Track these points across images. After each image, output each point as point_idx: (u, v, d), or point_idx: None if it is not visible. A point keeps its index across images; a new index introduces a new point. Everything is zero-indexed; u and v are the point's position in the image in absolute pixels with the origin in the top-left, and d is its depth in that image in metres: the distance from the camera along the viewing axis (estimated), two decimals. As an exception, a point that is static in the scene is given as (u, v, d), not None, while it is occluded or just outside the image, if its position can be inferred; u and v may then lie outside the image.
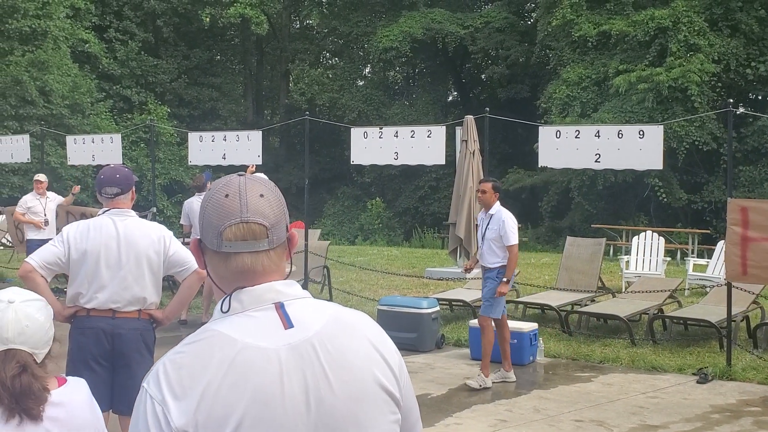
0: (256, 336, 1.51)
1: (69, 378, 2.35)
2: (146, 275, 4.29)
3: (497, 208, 7.67)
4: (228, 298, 1.56)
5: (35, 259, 4.18)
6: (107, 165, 4.67)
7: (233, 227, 1.55)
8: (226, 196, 1.58)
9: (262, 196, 1.59)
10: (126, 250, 4.26)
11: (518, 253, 7.75)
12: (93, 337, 4.23)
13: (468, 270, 8.45)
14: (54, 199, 11.67)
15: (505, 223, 7.52)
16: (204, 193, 10.31)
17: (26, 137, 14.96)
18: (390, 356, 1.61)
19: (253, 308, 1.54)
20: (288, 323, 1.54)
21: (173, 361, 1.51)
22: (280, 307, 1.55)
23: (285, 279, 1.61)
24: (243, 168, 11.61)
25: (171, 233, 4.45)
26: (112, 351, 4.26)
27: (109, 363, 4.27)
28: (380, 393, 1.56)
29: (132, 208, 4.47)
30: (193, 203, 10.50)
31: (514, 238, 7.53)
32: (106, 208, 4.37)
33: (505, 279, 7.55)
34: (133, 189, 4.44)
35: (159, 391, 1.48)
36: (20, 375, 2.15)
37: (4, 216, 14.30)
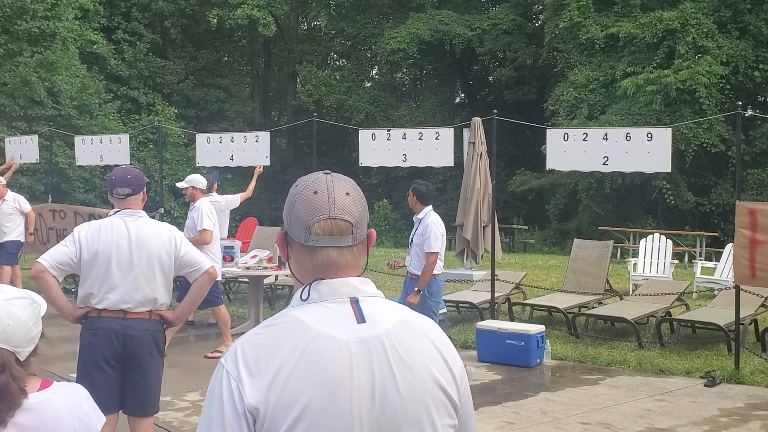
0: (329, 326, 1.58)
1: (57, 382, 2.26)
2: (157, 276, 4.30)
3: (425, 212, 7.33)
4: (308, 287, 1.64)
5: (47, 259, 4.19)
6: (118, 166, 4.69)
7: (321, 223, 1.64)
8: (315, 192, 1.66)
9: (347, 194, 1.67)
10: (137, 250, 4.27)
11: (442, 260, 7.27)
12: (104, 338, 4.23)
13: (392, 266, 8.10)
14: (14, 202, 11.37)
15: (428, 228, 7.17)
16: (212, 194, 10.31)
17: (35, 138, 15.01)
18: (453, 363, 1.69)
19: (329, 299, 1.62)
20: (361, 318, 1.61)
21: (251, 341, 1.59)
22: (354, 302, 1.63)
23: (361, 275, 1.69)
24: (250, 169, 11.63)
25: (182, 234, 4.46)
26: (124, 352, 4.26)
27: (119, 364, 4.26)
28: (440, 396, 1.63)
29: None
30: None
31: (435, 246, 7.13)
32: (117, 209, 4.39)
33: (416, 288, 7.13)
34: (145, 190, 4.46)
35: (236, 367, 1.55)
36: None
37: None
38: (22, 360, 2.17)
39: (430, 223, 7.24)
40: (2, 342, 2.13)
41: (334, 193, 1.66)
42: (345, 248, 1.65)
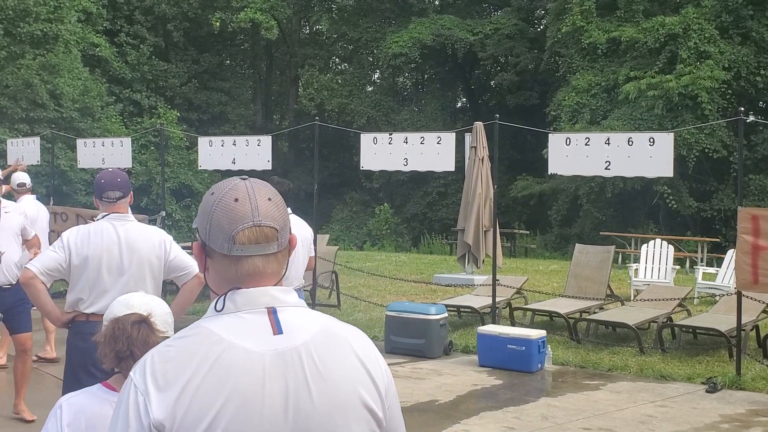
0: (243, 337, 1.51)
1: None
2: (147, 280, 4.28)
3: None
4: (223, 297, 1.57)
5: (36, 265, 4.17)
6: (105, 169, 4.68)
7: (246, 231, 1.55)
8: (236, 200, 1.57)
9: (269, 199, 1.60)
10: (128, 255, 4.26)
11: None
12: (93, 342, 4.22)
13: None
14: None
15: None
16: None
17: (37, 140, 14.99)
18: (377, 374, 1.60)
19: (245, 310, 1.54)
20: (278, 329, 1.54)
21: (161, 353, 1.52)
22: (272, 312, 1.55)
23: (281, 283, 1.61)
24: (252, 173, 11.63)
25: (171, 237, 4.45)
26: None
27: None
28: (361, 410, 1.56)
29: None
30: None
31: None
32: (105, 213, 4.36)
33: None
34: (132, 193, 4.46)
35: (143, 381, 1.49)
36: (140, 323, 2.51)
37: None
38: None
39: None
40: (144, 311, 2.59)
41: (255, 199, 1.58)
42: (270, 255, 1.58)
